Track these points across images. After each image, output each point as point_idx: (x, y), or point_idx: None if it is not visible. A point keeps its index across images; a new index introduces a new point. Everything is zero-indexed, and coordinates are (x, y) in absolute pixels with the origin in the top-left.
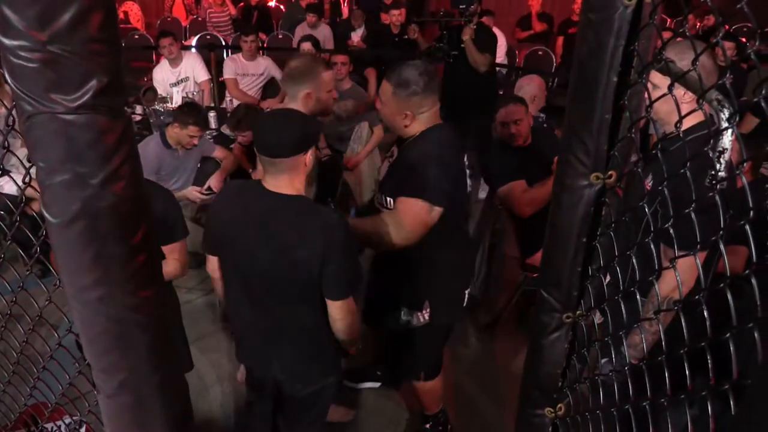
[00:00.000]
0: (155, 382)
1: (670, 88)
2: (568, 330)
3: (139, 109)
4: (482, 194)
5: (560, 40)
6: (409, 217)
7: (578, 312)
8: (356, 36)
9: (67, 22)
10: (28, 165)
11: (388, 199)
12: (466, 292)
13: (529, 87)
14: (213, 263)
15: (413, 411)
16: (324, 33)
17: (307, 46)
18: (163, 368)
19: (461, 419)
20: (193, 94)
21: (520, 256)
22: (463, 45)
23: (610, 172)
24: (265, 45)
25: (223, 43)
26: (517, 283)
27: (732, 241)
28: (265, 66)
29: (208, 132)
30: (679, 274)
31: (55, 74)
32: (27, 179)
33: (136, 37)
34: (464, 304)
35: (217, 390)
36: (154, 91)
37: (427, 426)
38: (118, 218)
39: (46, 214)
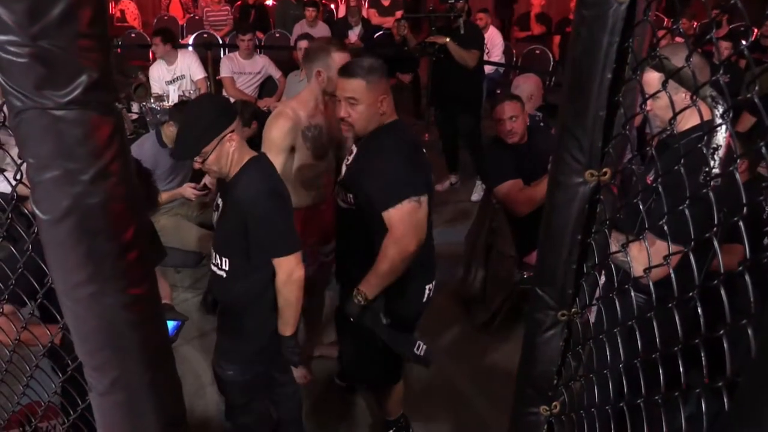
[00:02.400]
0: (147, 380)
1: (664, 84)
2: (563, 328)
3: (135, 107)
4: (475, 196)
5: (557, 38)
6: (406, 223)
7: (573, 309)
8: (353, 35)
9: (56, 17)
10: (19, 162)
11: (350, 195)
12: (428, 286)
13: (526, 85)
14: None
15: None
16: (322, 31)
17: (305, 44)
18: (156, 366)
19: (457, 417)
20: (190, 92)
21: (517, 254)
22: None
23: (604, 169)
24: (262, 43)
25: (220, 42)
26: (513, 281)
27: (727, 239)
28: (261, 64)
29: None
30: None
31: (44, 70)
32: (18, 176)
33: (133, 35)
34: (425, 300)
35: (213, 389)
36: (145, 87)
37: None
38: (109, 215)
39: (37, 211)
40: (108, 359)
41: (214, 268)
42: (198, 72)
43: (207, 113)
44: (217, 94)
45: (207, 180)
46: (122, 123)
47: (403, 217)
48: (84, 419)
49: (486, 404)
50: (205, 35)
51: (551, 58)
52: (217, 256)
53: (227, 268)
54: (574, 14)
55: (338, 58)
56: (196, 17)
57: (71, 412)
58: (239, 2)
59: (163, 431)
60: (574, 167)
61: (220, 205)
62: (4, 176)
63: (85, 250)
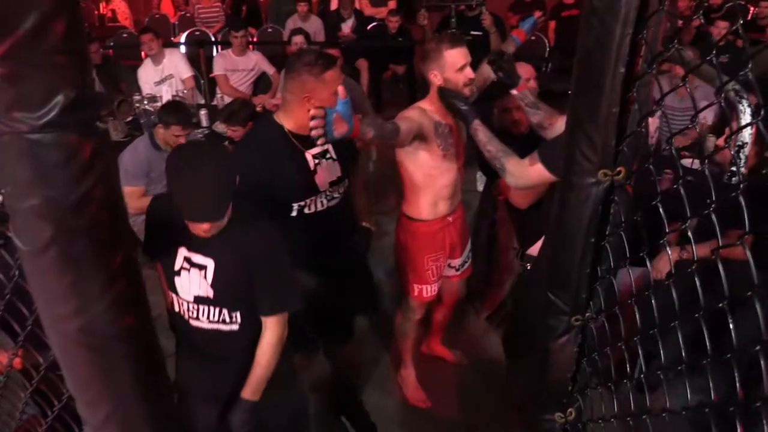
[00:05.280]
0: (143, 412)
1: (684, 79)
2: (577, 333)
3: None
4: (480, 186)
5: (552, 24)
6: None
7: (587, 314)
8: (347, 27)
9: (25, 33)
10: None
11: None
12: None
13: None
14: None
15: (416, 410)
16: (315, 25)
17: (299, 39)
18: (151, 398)
19: (463, 411)
20: (182, 92)
21: (519, 246)
22: (477, 33)
23: (618, 169)
24: (254, 39)
25: (212, 39)
26: (516, 274)
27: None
28: (255, 61)
29: (199, 130)
30: None
31: (16, 91)
32: None
33: (125, 35)
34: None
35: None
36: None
37: None
38: (95, 243)
39: (17, 242)
40: (100, 393)
41: (219, 326)
42: (185, 71)
43: (220, 168)
44: (211, 137)
45: None
46: (106, 143)
47: None
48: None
49: (492, 398)
50: (197, 33)
51: (546, 44)
52: (224, 312)
53: (240, 320)
54: (584, 4)
55: (450, 56)
56: (188, 15)
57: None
58: None
59: None
60: (586, 167)
61: (205, 264)
62: None
63: (70, 281)
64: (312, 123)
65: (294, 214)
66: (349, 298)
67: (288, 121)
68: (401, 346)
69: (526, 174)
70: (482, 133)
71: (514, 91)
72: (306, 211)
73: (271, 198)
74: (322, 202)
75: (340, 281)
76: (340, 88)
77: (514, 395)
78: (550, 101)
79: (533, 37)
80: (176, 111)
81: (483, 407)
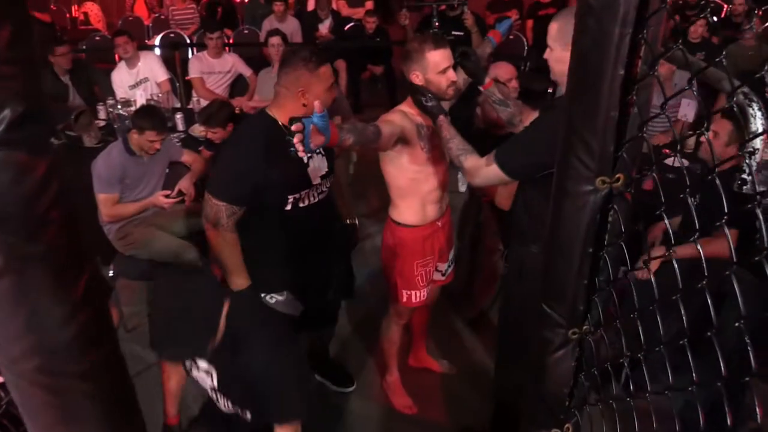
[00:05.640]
0: None
1: (690, 81)
2: (574, 347)
3: (102, 113)
4: (462, 187)
5: (530, 23)
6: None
7: (585, 327)
8: (324, 28)
9: None
10: None
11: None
12: (273, 295)
13: (501, 72)
14: None
15: (402, 416)
16: (292, 26)
17: (276, 40)
18: None
19: (449, 416)
20: (157, 96)
21: (504, 248)
22: (458, 33)
23: (617, 175)
24: (230, 41)
25: (188, 41)
26: (500, 275)
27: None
28: (231, 63)
29: (175, 134)
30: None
31: None
32: None
33: (98, 38)
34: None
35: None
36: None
37: None
38: (53, 270)
39: None
40: None
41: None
42: (161, 74)
43: None
44: (188, 142)
45: (181, 185)
46: (59, 160)
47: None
48: None
49: (477, 400)
50: (172, 35)
51: (525, 43)
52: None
53: None
54: (578, 3)
55: (433, 58)
56: (162, 17)
57: None
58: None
59: None
60: (583, 173)
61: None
62: None
63: (25, 315)
64: (295, 138)
65: (289, 207)
66: (334, 288)
67: (281, 115)
68: (387, 352)
69: (482, 174)
70: (446, 130)
71: (480, 89)
72: (300, 204)
73: (268, 190)
74: (314, 195)
75: (328, 272)
76: (317, 103)
77: (499, 400)
78: (530, 100)
79: (511, 37)
80: (151, 116)
81: (469, 411)
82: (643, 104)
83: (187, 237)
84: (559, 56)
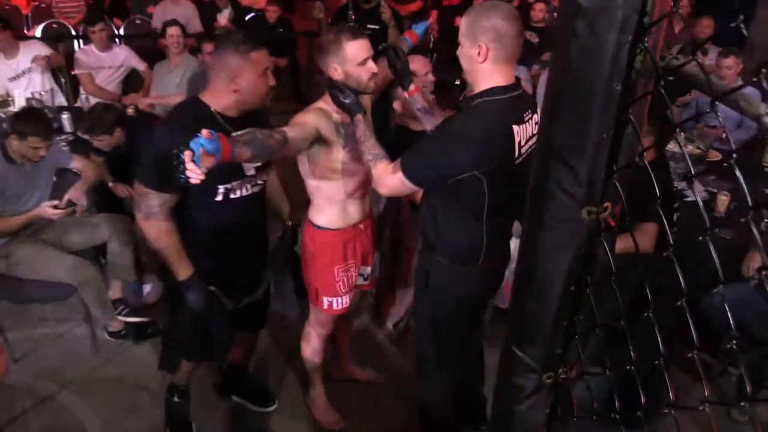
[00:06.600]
0: None
1: (713, 104)
2: (549, 392)
3: None
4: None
5: (435, 13)
6: None
7: (560, 370)
8: (223, 18)
9: None
10: None
11: None
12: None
13: (415, 66)
14: None
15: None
16: (188, 12)
17: (174, 31)
18: None
19: (376, 426)
20: (40, 93)
21: None
22: (374, 26)
23: (605, 204)
24: (121, 32)
25: (73, 33)
26: None
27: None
28: (123, 57)
29: (63, 137)
30: None
31: None
32: None
33: None
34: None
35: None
36: None
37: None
38: None
39: None
40: None
41: None
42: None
43: None
44: (75, 145)
45: (71, 195)
46: None
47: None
48: None
49: (406, 410)
50: (55, 25)
51: (430, 36)
52: None
53: None
54: (561, 2)
55: (351, 48)
56: (43, 5)
57: None
58: None
59: None
60: (565, 203)
61: None
62: None
63: None
64: (187, 165)
65: (219, 198)
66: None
67: (214, 102)
68: (309, 364)
69: (389, 183)
70: (360, 130)
71: (405, 95)
72: (231, 195)
73: None
74: (246, 187)
75: (259, 269)
76: (204, 131)
77: (427, 408)
78: (440, 92)
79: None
80: (33, 120)
81: (399, 420)
82: (638, 120)
83: (82, 252)
84: (467, 53)
